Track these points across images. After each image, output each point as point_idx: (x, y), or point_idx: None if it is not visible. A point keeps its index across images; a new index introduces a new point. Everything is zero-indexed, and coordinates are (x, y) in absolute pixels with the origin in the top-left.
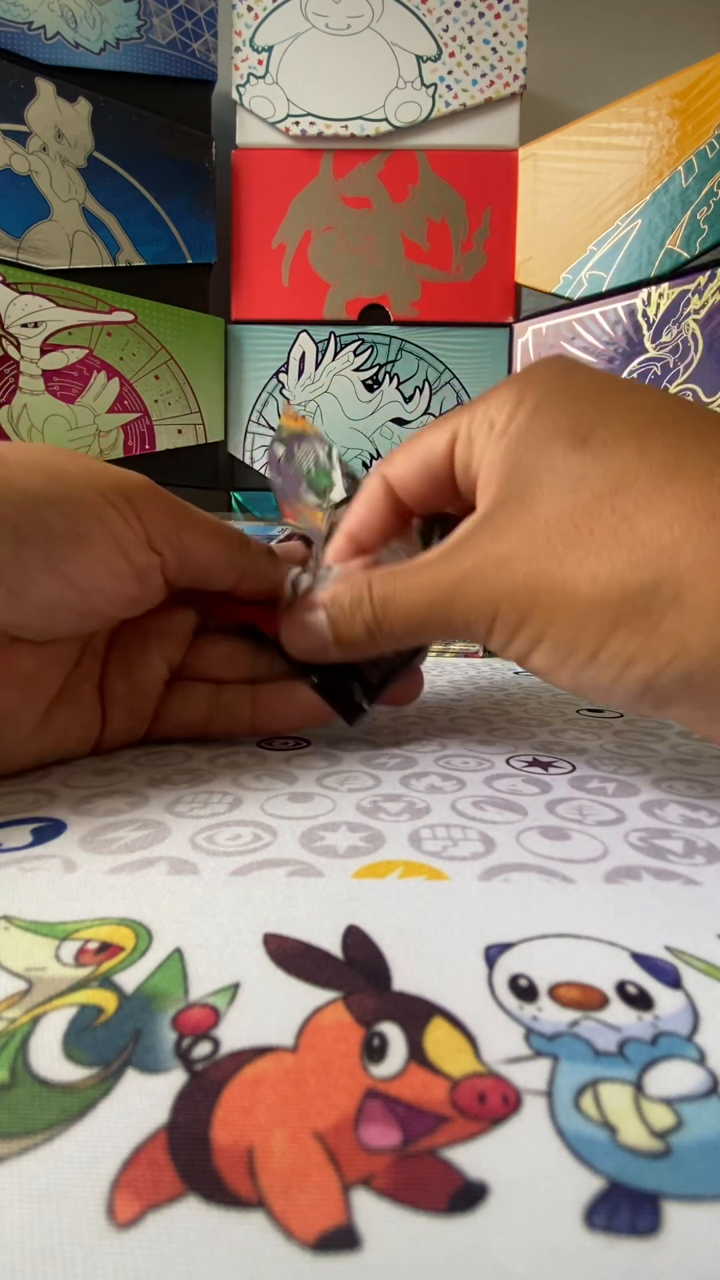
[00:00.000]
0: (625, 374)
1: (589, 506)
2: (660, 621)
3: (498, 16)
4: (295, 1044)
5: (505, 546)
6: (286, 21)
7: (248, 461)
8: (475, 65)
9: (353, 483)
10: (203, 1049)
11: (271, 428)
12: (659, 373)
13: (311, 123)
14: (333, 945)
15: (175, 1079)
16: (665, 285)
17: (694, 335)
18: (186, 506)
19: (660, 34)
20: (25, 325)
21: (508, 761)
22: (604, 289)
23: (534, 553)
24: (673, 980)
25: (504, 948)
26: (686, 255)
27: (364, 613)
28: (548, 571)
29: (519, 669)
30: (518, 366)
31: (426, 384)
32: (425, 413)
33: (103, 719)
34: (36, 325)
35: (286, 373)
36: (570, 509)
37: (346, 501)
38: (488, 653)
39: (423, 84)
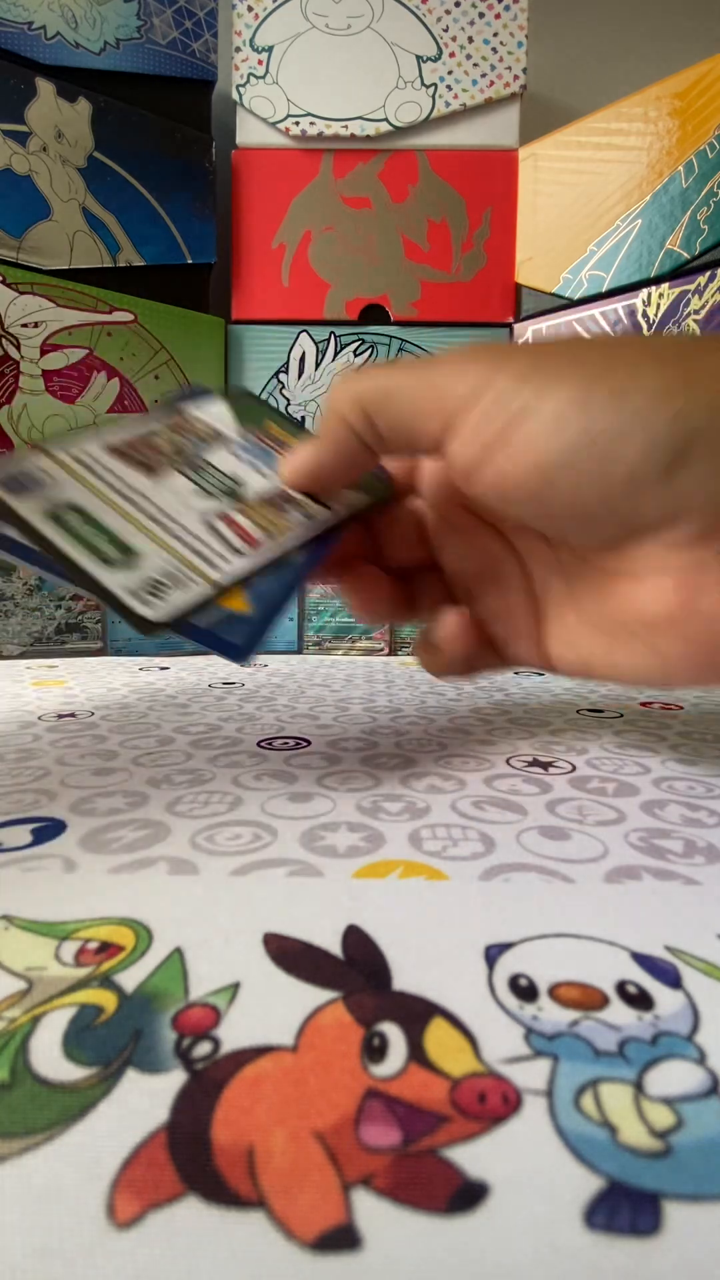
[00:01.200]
0: None
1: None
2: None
3: (498, 17)
4: (295, 1044)
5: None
6: (286, 21)
7: None
8: (475, 65)
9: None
10: (203, 1049)
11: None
12: None
13: (311, 123)
14: (333, 945)
15: (175, 1079)
16: (665, 285)
17: (694, 335)
18: None
19: (660, 34)
20: (25, 325)
21: (508, 761)
22: (604, 289)
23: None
24: (673, 980)
25: (504, 947)
26: (686, 255)
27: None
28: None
29: (519, 669)
30: None
31: None
32: None
33: None
34: (36, 325)
35: (286, 373)
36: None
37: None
38: None
39: (423, 84)
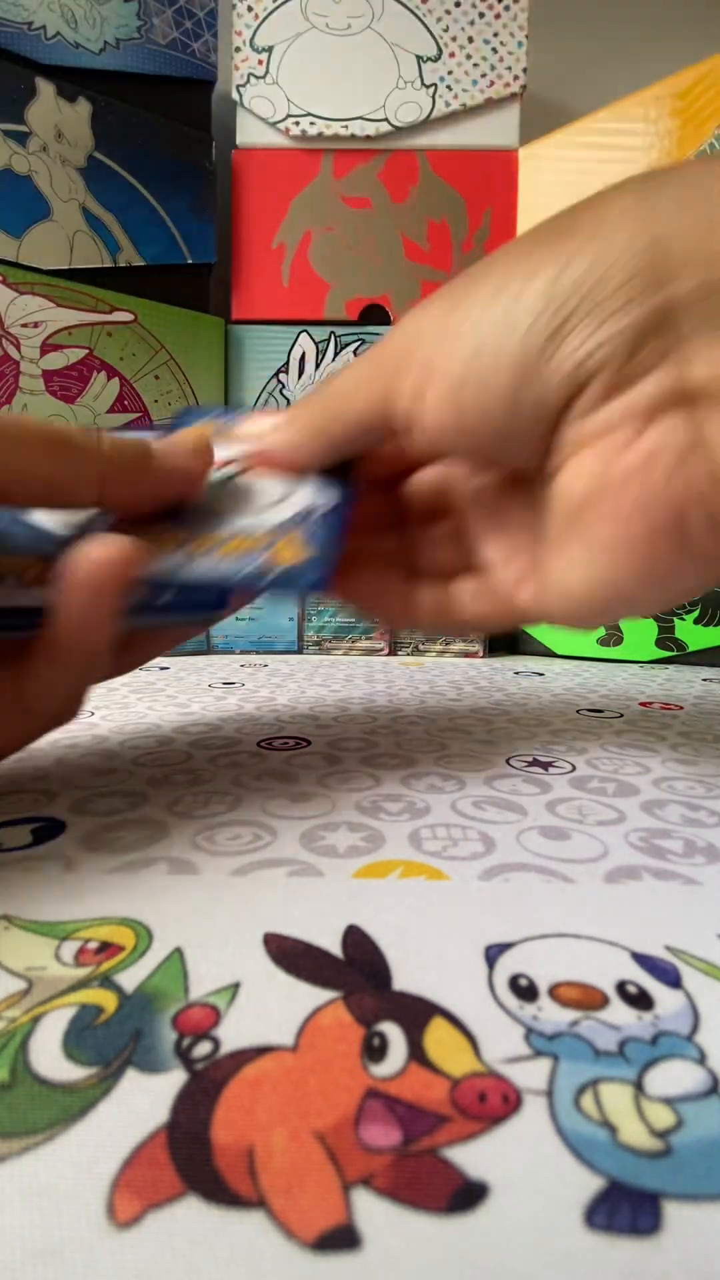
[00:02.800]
0: None
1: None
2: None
3: (498, 16)
4: (295, 1044)
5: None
6: (286, 21)
7: None
8: (475, 65)
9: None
10: (203, 1048)
11: None
12: None
13: (311, 123)
14: (333, 945)
15: (175, 1078)
16: None
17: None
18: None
19: (660, 34)
20: (25, 325)
21: (508, 761)
22: None
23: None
24: (673, 980)
25: (504, 947)
26: None
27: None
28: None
29: (519, 669)
30: None
31: None
32: None
33: None
34: (36, 325)
35: (286, 373)
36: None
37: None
38: (488, 653)
39: (423, 84)
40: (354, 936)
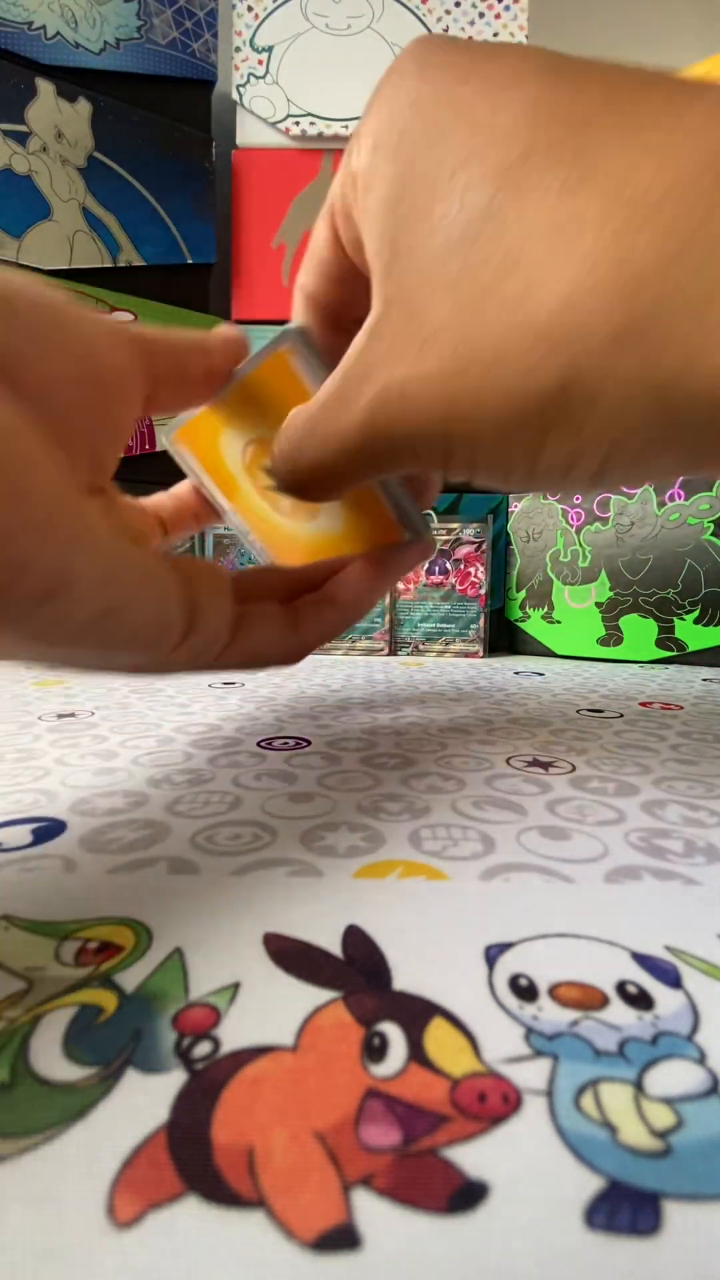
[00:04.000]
0: None
1: (475, 285)
2: (584, 425)
3: (498, 17)
4: (295, 1044)
5: (400, 368)
6: (286, 21)
7: None
8: None
9: None
10: (203, 1048)
11: None
12: None
13: (311, 123)
14: (333, 945)
15: (175, 1078)
16: None
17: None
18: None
19: (660, 34)
20: None
21: (508, 761)
22: None
23: (433, 370)
24: (673, 980)
25: (504, 947)
26: None
27: (289, 464)
28: (452, 394)
29: (519, 669)
30: None
31: None
32: None
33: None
34: None
35: None
36: (455, 299)
37: None
38: (488, 653)
39: None
40: (354, 936)
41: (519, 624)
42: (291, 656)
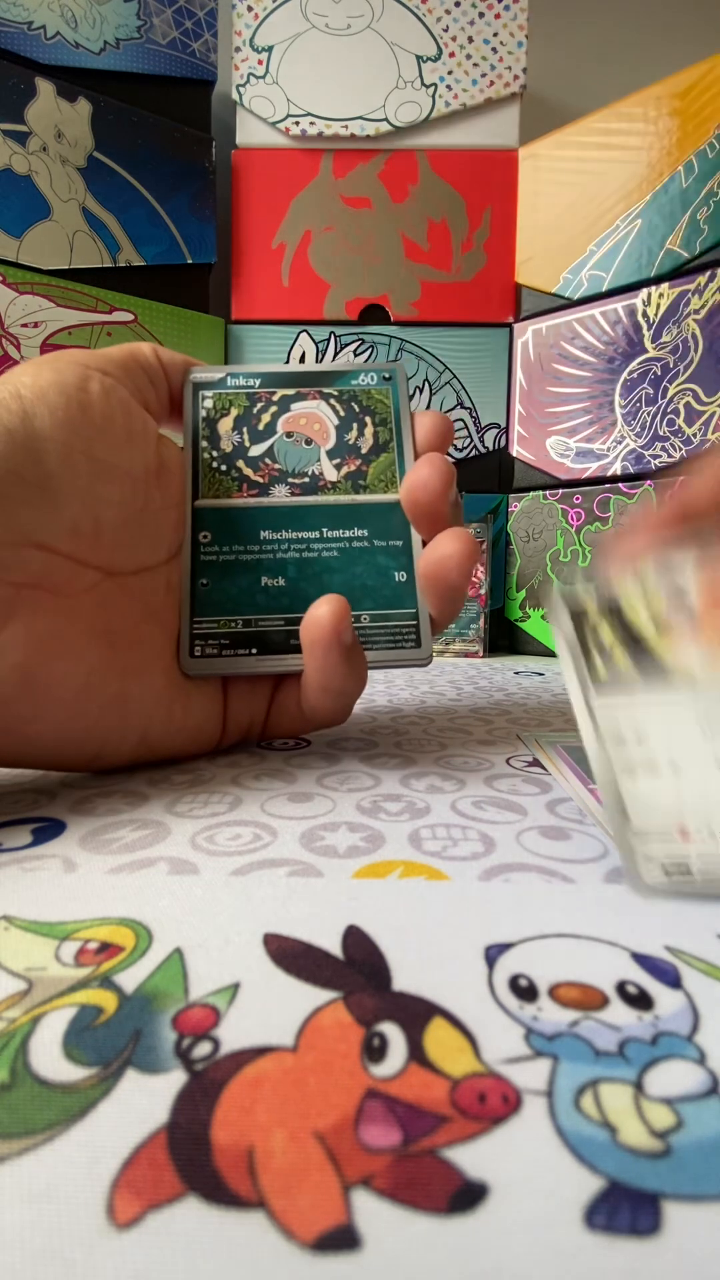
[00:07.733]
0: (625, 374)
1: None
2: None
3: (498, 16)
4: (295, 1044)
5: None
6: (286, 21)
7: None
8: (475, 65)
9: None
10: (203, 1049)
11: None
12: (659, 373)
13: (311, 123)
14: (333, 945)
15: (175, 1079)
16: (665, 285)
17: (694, 335)
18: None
19: (660, 34)
20: (25, 325)
21: (508, 761)
22: (604, 289)
23: None
24: (673, 980)
25: (504, 948)
26: (686, 255)
27: None
28: None
29: (519, 669)
30: (518, 366)
31: (426, 384)
32: None
33: (224, 707)
34: (36, 325)
35: None
36: None
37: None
38: (488, 653)
39: (423, 84)
40: (354, 936)
41: (519, 624)
42: (338, 714)
